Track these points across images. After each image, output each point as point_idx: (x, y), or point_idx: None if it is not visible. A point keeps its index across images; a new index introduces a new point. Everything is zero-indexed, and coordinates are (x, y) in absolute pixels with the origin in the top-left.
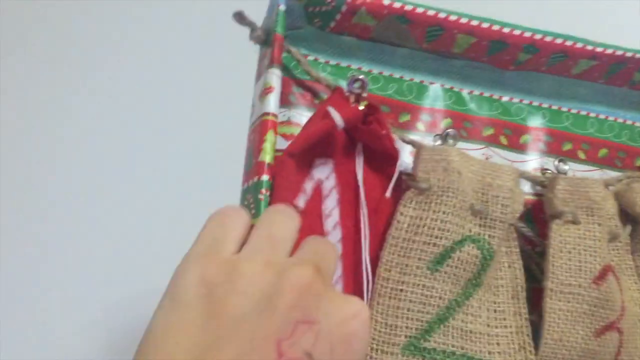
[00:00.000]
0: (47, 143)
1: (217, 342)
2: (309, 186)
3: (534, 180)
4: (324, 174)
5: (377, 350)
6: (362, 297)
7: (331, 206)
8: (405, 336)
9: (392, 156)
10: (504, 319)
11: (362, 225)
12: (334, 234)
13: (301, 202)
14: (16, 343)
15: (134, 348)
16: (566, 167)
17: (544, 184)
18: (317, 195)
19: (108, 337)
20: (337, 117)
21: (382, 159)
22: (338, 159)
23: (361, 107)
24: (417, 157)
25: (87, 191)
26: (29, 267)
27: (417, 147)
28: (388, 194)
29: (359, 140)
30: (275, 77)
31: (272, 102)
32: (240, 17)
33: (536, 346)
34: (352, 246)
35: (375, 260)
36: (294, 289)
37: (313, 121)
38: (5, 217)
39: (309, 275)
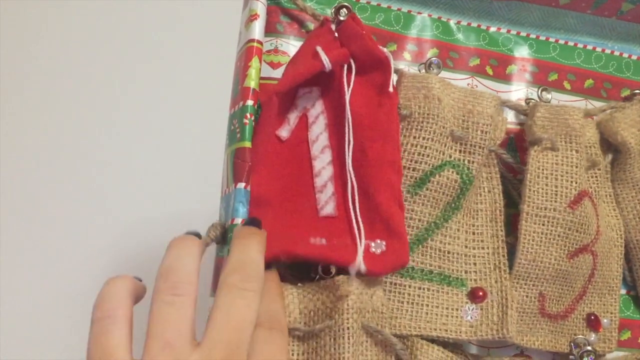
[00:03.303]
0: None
1: None
2: (292, 116)
3: (516, 108)
4: (309, 102)
5: None
6: (349, 205)
7: (318, 131)
8: None
9: (379, 58)
10: (482, 241)
11: (346, 138)
12: (323, 157)
13: (285, 132)
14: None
15: None
16: (549, 96)
17: (526, 112)
18: (303, 124)
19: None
20: (325, 59)
21: (370, 70)
22: (324, 86)
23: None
24: (398, 85)
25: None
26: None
27: (399, 74)
28: (390, 88)
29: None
30: (260, 4)
31: (257, 29)
32: None
33: (511, 266)
34: (342, 165)
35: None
36: None
37: (301, 60)
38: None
39: None
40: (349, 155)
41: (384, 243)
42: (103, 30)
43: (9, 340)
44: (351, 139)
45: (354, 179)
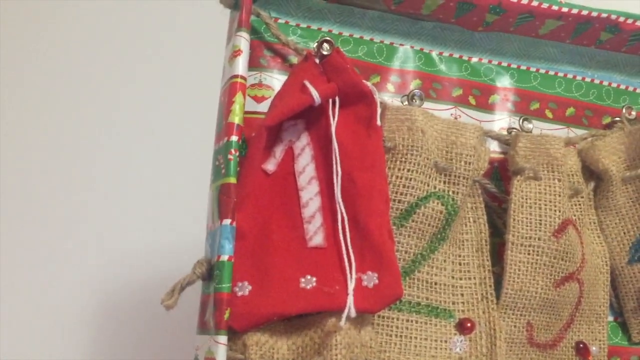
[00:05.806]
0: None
1: None
2: (278, 150)
3: (498, 139)
4: (294, 135)
5: None
6: (338, 235)
7: (305, 163)
8: None
9: (364, 92)
10: (468, 271)
11: (334, 169)
12: (310, 188)
13: (271, 165)
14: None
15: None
16: (530, 126)
17: (508, 142)
18: (288, 156)
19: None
20: (315, 94)
21: (354, 103)
22: (309, 118)
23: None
24: (382, 117)
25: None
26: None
27: (382, 107)
28: (377, 122)
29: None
30: (243, 40)
31: (241, 65)
32: None
33: (498, 296)
34: (330, 196)
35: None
36: None
37: (289, 94)
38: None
39: None
40: (337, 185)
41: (375, 275)
42: (103, 30)
43: (9, 340)
44: (339, 169)
45: (343, 210)
